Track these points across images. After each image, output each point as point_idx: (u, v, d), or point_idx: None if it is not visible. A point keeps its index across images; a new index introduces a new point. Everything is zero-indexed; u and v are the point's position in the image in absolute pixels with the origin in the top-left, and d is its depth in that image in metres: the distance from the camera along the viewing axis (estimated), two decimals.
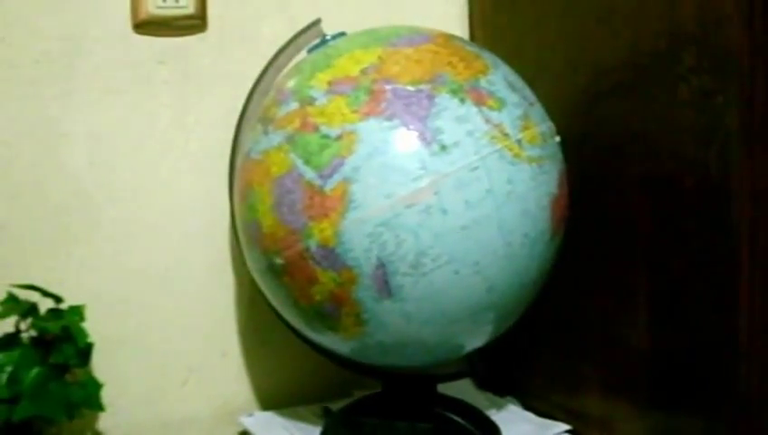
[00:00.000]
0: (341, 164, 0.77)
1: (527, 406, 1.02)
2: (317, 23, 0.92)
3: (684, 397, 0.84)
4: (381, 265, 0.76)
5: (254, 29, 0.97)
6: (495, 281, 0.80)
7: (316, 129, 0.78)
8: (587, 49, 0.92)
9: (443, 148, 0.77)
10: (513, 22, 1.05)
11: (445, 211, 0.76)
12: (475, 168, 0.77)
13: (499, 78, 0.83)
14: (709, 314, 0.80)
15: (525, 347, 1.00)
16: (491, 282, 0.79)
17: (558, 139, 0.86)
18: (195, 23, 0.98)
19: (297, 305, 0.83)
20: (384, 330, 0.80)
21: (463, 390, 1.00)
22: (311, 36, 0.92)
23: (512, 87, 0.83)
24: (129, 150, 0.99)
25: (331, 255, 0.77)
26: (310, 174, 0.78)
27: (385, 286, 0.77)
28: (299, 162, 0.78)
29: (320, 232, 0.77)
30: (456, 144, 0.77)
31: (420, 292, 0.77)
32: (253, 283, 0.91)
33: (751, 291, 0.77)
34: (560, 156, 0.86)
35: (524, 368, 1.04)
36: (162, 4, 0.97)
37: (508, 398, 1.03)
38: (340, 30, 0.90)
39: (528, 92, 0.86)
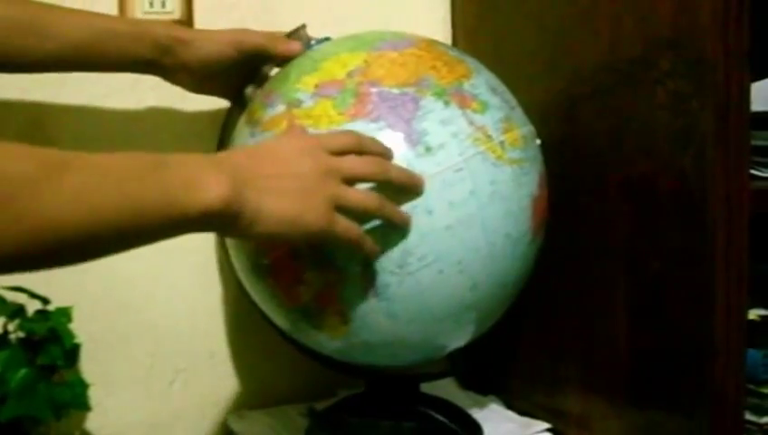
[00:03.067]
0: None
1: (508, 405, 1.03)
2: (302, 28, 0.93)
3: (661, 395, 0.85)
4: (368, 264, 0.77)
5: None
6: (478, 280, 0.80)
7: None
8: (565, 54, 0.94)
9: (428, 149, 0.77)
10: (495, 28, 1.06)
11: (430, 211, 0.77)
12: (460, 169, 0.78)
13: (481, 82, 0.84)
14: (685, 314, 0.81)
15: (506, 347, 1.02)
16: (474, 281, 0.80)
17: (539, 141, 0.87)
18: None
19: (283, 306, 0.83)
20: (369, 329, 0.80)
21: (445, 389, 1.01)
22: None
23: (494, 91, 0.84)
24: (117, 149, 1.00)
25: (318, 254, 0.77)
26: None
27: (371, 285, 0.78)
28: None
29: None
30: (440, 146, 0.78)
31: (406, 291, 0.78)
32: (239, 284, 0.91)
33: (726, 291, 0.79)
34: (540, 158, 0.87)
35: (505, 368, 1.05)
36: (149, 9, 0.99)
37: (490, 397, 1.04)
38: (325, 35, 0.90)
39: (509, 96, 0.87)
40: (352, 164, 0.72)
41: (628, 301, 0.88)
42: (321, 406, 1.00)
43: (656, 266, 0.84)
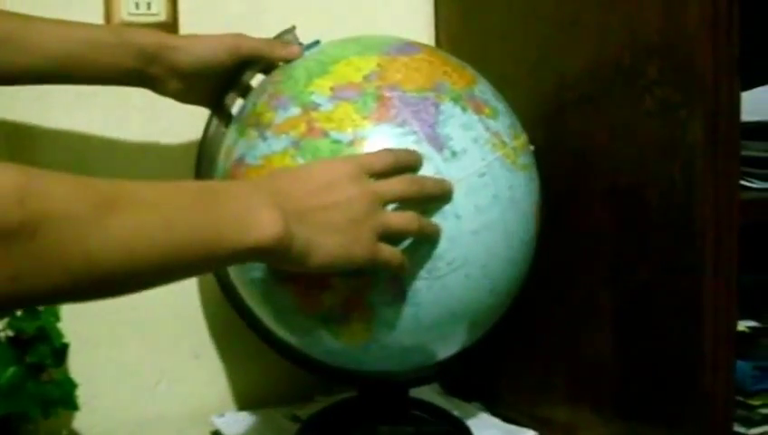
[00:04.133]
0: None
1: (493, 412, 1.02)
2: (291, 30, 0.92)
3: (648, 404, 0.84)
4: None
5: None
6: (497, 283, 0.81)
7: (325, 134, 0.77)
8: (551, 60, 0.93)
9: (453, 154, 0.78)
10: (479, 33, 1.06)
11: (458, 216, 0.77)
12: (483, 174, 0.79)
13: (487, 88, 0.85)
14: (673, 324, 0.81)
15: (492, 354, 1.00)
16: (494, 284, 0.81)
17: (532, 147, 0.87)
18: (167, 30, 0.98)
19: (299, 313, 0.81)
20: (391, 334, 0.80)
21: (429, 395, 1.01)
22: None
23: (497, 97, 0.85)
24: (101, 154, 1.00)
25: None
26: None
27: (400, 291, 0.78)
28: None
29: None
30: (464, 151, 0.78)
31: (434, 295, 0.78)
32: (223, 287, 0.91)
33: (714, 300, 0.78)
34: (536, 164, 0.87)
35: (491, 374, 1.05)
36: (135, 11, 0.99)
37: (475, 403, 1.04)
38: (314, 39, 0.89)
39: (508, 104, 0.87)
40: (393, 187, 0.73)
41: (615, 310, 0.87)
42: (301, 411, 1.00)
43: (643, 276, 0.84)
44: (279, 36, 0.91)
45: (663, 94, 0.80)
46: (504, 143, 0.81)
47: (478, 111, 0.81)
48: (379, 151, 0.76)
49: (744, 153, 0.81)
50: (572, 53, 0.90)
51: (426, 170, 0.77)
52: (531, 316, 0.96)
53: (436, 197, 0.76)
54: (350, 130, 0.77)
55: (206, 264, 0.62)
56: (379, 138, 0.77)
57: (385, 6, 1.11)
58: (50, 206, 0.53)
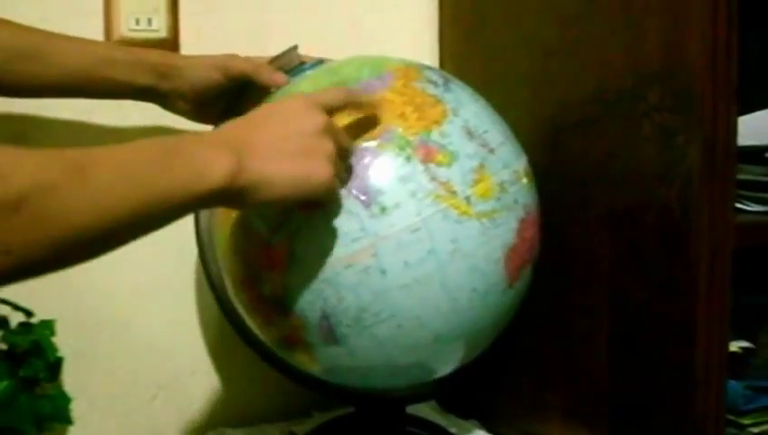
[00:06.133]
0: (287, 221, 0.76)
1: (490, 429, 1.03)
2: (293, 49, 0.91)
3: (642, 425, 0.85)
4: (326, 316, 0.76)
5: None
6: (442, 332, 0.79)
7: None
8: (553, 82, 0.94)
9: (383, 210, 0.75)
10: (482, 56, 1.06)
11: (384, 271, 0.75)
12: (417, 229, 0.75)
13: (455, 127, 0.80)
14: (668, 345, 0.82)
15: (490, 372, 1.01)
16: (436, 334, 0.79)
17: (525, 181, 0.84)
18: (167, 47, 0.99)
19: (261, 334, 0.85)
20: (336, 366, 0.81)
21: (427, 412, 1.02)
22: (286, 62, 0.90)
23: (469, 135, 0.80)
24: None
25: (281, 303, 0.77)
26: (260, 226, 0.78)
27: (331, 335, 0.77)
28: (251, 213, 0.78)
29: (270, 281, 0.78)
30: (396, 205, 0.75)
31: (365, 342, 0.77)
32: (219, 303, 0.92)
33: (708, 323, 0.79)
34: (523, 201, 0.83)
35: (488, 392, 1.05)
36: (135, 26, 0.99)
37: (472, 421, 1.04)
38: (318, 58, 0.90)
39: (492, 136, 0.82)
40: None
41: (611, 331, 0.88)
42: (298, 428, 1.00)
43: (639, 298, 0.84)
44: (281, 56, 0.91)
45: (662, 120, 0.80)
46: (452, 193, 0.77)
47: (427, 159, 0.77)
48: (334, 87, 0.78)
49: (739, 177, 0.82)
50: (575, 77, 0.90)
51: (350, 226, 0.75)
52: (528, 336, 0.97)
53: None
54: None
55: (173, 213, 0.63)
56: None
57: (390, 28, 1.12)
58: (28, 179, 0.54)
